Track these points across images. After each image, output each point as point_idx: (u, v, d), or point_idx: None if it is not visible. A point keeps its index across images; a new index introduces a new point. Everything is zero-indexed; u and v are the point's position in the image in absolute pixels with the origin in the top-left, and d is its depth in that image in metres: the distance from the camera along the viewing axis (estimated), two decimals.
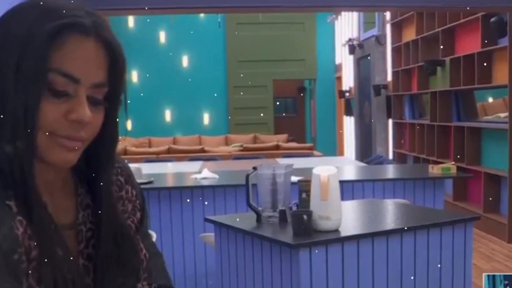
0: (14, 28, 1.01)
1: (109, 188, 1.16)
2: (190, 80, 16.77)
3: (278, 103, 18.89)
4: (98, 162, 1.14)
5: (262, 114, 17.50)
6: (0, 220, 0.94)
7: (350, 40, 14.72)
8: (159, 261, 1.29)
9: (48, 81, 1.00)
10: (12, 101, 0.99)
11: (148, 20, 14.20)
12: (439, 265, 3.41)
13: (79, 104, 1.02)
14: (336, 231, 3.20)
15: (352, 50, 14.52)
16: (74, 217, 1.13)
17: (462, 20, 8.86)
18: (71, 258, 1.06)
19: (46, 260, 0.99)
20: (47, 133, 1.01)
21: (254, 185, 3.61)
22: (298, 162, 6.70)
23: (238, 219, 3.73)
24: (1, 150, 0.99)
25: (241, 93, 17.33)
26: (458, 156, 8.94)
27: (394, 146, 12.61)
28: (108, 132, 1.12)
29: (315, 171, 3.26)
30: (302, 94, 20.94)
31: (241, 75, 17.29)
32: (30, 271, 0.97)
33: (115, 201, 1.18)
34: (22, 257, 0.95)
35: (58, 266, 1.00)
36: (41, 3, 1.03)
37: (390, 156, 12.45)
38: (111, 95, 1.09)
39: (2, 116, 0.99)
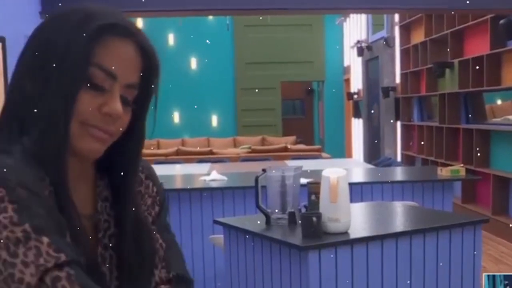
0: (59, 27, 1.09)
1: (134, 185, 1.22)
2: (198, 82, 16.79)
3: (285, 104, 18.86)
4: (125, 161, 1.20)
5: (268, 117, 17.50)
6: (39, 187, 1.00)
7: (358, 42, 14.70)
8: (178, 253, 1.34)
9: (88, 74, 1.07)
10: (51, 89, 1.06)
11: (155, 25, 14.20)
12: (448, 268, 3.41)
13: (113, 99, 1.10)
14: (345, 233, 3.20)
15: (360, 52, 14.51)
16: (93, 207, 1.19)
17: (470, 22, 8.85)
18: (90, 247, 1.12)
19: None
20: (80, 122, 1.08)
21: (263, 187, 3.61)
22: (307, 164, 6.69)
23: (247, 221, 3.74)
24: (36, 135, 1.05)
25: (249, 95, 17.33)
26: (467, 159, 8.92)
27: (403, 148, 12.59)
28: (136, 134, 1.19)
29: (324, 173, 3.26)
30: (310, 96, 20.93)
31: (249, 77, 17.30)
32: None
33: (137, 196, 1.25)
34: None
35: (80, 252, 1.04)
36: (83, 8, 1.11)
37: (399, 158, 12.42)
38: (141, 98, 1.17)
39: (39, 103, 1.06)
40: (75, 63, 1.05)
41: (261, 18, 13.43)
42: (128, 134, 1.17)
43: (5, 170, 0.97)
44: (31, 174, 1.00)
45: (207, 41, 16.51)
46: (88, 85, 1.07)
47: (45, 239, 0.94)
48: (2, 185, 0.95)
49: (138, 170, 1.24)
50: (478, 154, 8.75)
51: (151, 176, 1.31)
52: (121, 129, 1.14)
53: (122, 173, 1.19)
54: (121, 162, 1.20)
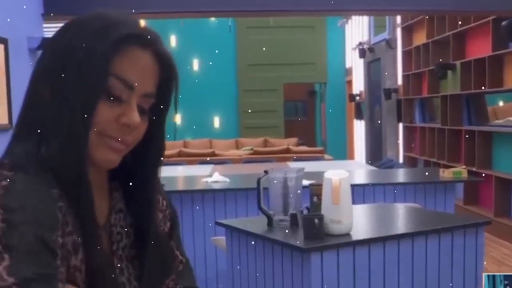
0: (78, 34, 1.09)
1: (156, 195, 1.23)
2: (200, 83, 16.78)
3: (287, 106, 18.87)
4: (146, 171, 1.20)
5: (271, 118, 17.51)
6: (44, 201, 0.98)
7: (360, 43, 14.71)
8: (190, 270, 1.36)
9: (107, 85, 1.06)
10: (71, 100, 1.05)
11: (157, 27, 14.18)
12: (450, 270, 3.41)
13: (130, 109, 1.10)
14: (347, 235, 3.20)
15: (362, 54, 14.51)
16: (107, 219, 1.18)
17: (472, 24, 8.84)
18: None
19: (90, 255, 1.04)
20: (97, 133, 1.08)
21: (266, 188, 3.62)
22: (309, 166, 6.68)
23: (249, 223, 3.74)
24: (55, 146, 1.05)
25: (252, 97, 17.33)
26: (469, 160, 8.92)
27: (405, 150, 12.59)
28: (156, 143, 1.20)
29: (326, 174, 3.26)
30: (312, 98, 20.92)
31: (252, 79, 17.31)
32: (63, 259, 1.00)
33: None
34: (59, 239, 0.98)
35: (99, 263, 1.05)
36: (103, 16, 1.11)
37: (401, 160, 12.42)
38: (159, 108, 1.17)
39: (58, 114, 1.06)
40: (95, 74, 1.05)
41: (270, 21, 13.42)
42: (147, 143, 1.17)
43: (10, 195, 0.95)
44: (41, 195, 0.99)
45: (215, 51, 16.53)
46: (106, 95, 1.07)
47: (5, 262, 0.88)
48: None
49: (159, 180, 1.25)
50: (480, 156, 8.75)
51: (160, 190, 1.30)
52: (137, 139, 1.14)
53: (143, 183, 1.19)
54: (142, 172, 1.20)
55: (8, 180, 0.97)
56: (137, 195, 1.20)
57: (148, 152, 1.19)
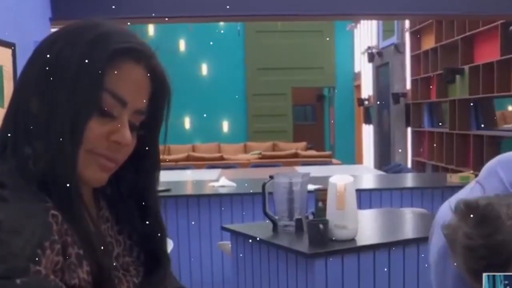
0: (70, 45, 1.04)
1: (159, 208, 1.21)
2: (209, 87, 16.82)
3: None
4: (143, 184, 1.18)
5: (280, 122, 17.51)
6: (34, 213, 0.94)
7: (369, 48, 14.69)
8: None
9: (99, 101, 1.03)
10: (60, 116, 1.01)
11: (166, 31, 14.23)
12: None
13: (122, 126, 1.06)
14: (353, 240, 3.20)
15: (371, 58, 14.49)
16: (96, 228, 1.15)
17: (481, 28, 8.82)
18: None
19: (95, 265, 1.01)
20: (86, 150, 1.04)
21: (271, 193, 3.62)
22: (317, 170, 6.70)
23: (254, 228, 3.74)
24: (44, 164, 1.01)
25: (260, 101, 17.34)
26: (477, 165, 8.89)
27: (413, 155, 12.56)
28: (152, 158, 1.17)
29: (331, 180, 3.26)
30: (321, 102, 20.91)
31: (260, 83, 17.31)
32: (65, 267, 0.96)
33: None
34: (55, 245, 0.93)
35: (106, 271, 1.04)
36: (97, 26, 1.07)
37: (409, 165, 12.39)
38: (152, 123, 1.14)
39: (45, 129, 1.02)
40: (88, 89, 1.01)
41: (279, 25, 13.43)
42: (142, 160, 1.15)
43: None
44: (31, 204, 0.95)
45: (224, 55, 16.55)
46: (98, 111, 1.03)
47: None
48: None
49: (158, 194, 1.22)
50: (489, 161, 8.70)
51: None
52: (126, 156, 1.11)
53: (142, 199, 1.18)
54: (138, 188, 1.18)
55: None
56: (120, 203, 1.19)
57: (143, 168, 1.17)
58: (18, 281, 0.84)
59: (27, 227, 0.91)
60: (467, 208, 1.36)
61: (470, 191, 1.78)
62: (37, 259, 0.88)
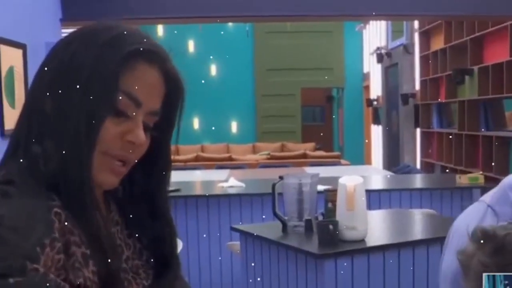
0: (85, 46, 1.05)
1: (169, 210, 1.22)
2: (218, 88, 16.82)
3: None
4: (154, 186, 1.19)
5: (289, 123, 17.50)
6: (35, 210, 0.94)
7: (378, 48, 14.67)
8: None
9: (114, 101, 1.04)
10: (75, 117, 1.02)
11: (175, 32, 14.26)
12: None
13: (136, 126, 1.07)
14: (362, 241, 3.20)
15: (380, 59, 14.47)
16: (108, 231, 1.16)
17: (490, 29, 8.80)
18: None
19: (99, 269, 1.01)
20: (101, 152, 1.04)
21: (281, 194, 3.62)
22: (325, 171, 6.70)
23: (263, 228, 3.75)
24: (56, 165, 1.01)
25: (269, 101, 17.34)
26: (486, 166, 8.86)
27: (422, 155, 12.53)
28: (164, 159, 1.18)
29: (341, 180, 3.26)
30: (330, 103, 20.90)
31: (269, 84, 17.32)
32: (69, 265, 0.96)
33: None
34: (55, 243, 0.93)
35: (115, 272, 1.04)
36: (112, 28, 1.08)
37: (418, 165, 12.37)
38: (164, 124, 1.15)
39: (59, 130, 1.02)
40: (104, 90, 1.02)
41: (288, 26, 13.43)
42: (153, 162, 1.16)
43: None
44: (34, 202, 0.96)
45: (233, 56, 16.56)
46: (113, 112, 1.04)
47: None
48: None
49: (168, 196, 1.22)
50: (498, 162, 8.69)
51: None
52: (139, 156, 1.11)
53: (153, 201, 1.19)
54: (149, 190, 1.18)
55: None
56: (129, 207, 1.19)
57: (155, 169, 1.17)
58: (11, 280, 0.84)
59: (27, 223, 0.91)
60: (484, 236, 1.36)
61: (483, 216, 1.80)
62: (35, 257, 0.88)
